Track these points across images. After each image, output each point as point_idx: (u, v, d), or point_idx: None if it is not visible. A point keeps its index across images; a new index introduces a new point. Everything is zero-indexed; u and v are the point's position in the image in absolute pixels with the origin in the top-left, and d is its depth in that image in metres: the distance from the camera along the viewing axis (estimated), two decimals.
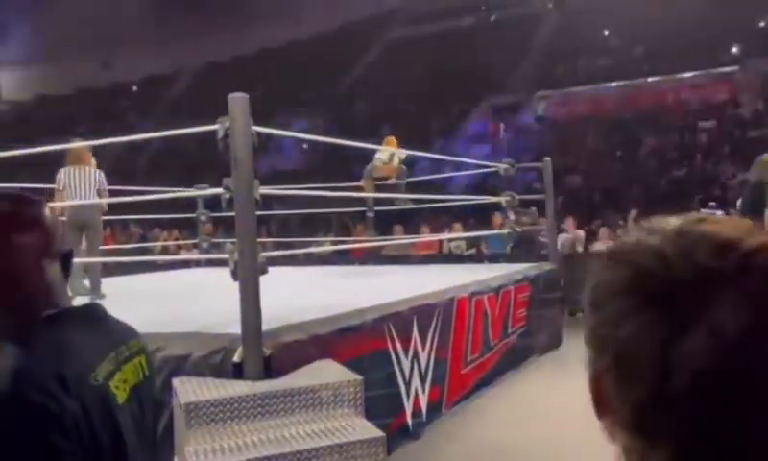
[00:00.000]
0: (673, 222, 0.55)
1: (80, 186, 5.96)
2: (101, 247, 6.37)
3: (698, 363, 0.49)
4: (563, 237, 9.92)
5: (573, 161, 19.20)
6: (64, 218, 5.99)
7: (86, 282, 6.12)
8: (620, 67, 22.25)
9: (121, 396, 1.12)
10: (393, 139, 8.05)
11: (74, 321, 1.11)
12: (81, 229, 5.94)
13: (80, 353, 1.07)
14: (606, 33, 24.23)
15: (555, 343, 7.49)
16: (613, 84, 21.98)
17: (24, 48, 24.24)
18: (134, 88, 27.75)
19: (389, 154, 7.77)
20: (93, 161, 6.19)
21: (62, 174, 6.00)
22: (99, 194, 6.02)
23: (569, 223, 10.28)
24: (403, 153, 7.89)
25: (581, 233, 10.29)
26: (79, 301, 1.19)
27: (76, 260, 5.63)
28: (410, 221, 12.31)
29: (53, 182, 6.09)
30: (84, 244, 6.00)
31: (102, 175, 6.11)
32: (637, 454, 0.53)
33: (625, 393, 0.52)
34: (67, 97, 26.40)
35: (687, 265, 0.51)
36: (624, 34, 23.12)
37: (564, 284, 8.16)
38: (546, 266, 7.75)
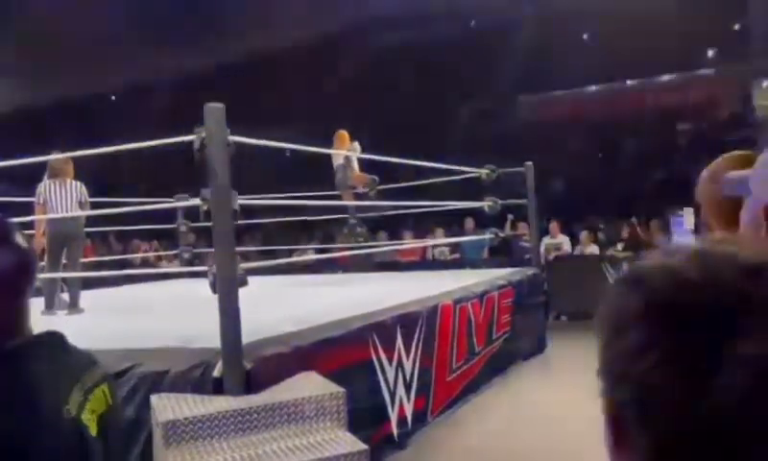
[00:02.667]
0: (694, 243, 0.51)
1: (61, 200, 5.85)
2: (81, 260, 6.27)
3: (730, 401, 0.43)
4: (547, 241, 9.93)
5: (555, 165, 19.31)
6: (40, 233, 5.88)
7: (65, 296, 6.02)
8: (600, 71, 22.44)
9: (93, 428, 1.07)
10: (344, 133, 7.60)
11: (37, 352, 1.06)
12: (63, 243, 5.84)
13: (48, 386, 1.02)
14: (585, 37, 24.43)
15: (539, 347, 7.49)
16: (593, 87, 22.16)
17: (2, 60, 23.91)
18: (113, 98, 27.50)
19: (345, 155, 7.34)
20: (72, 173, 6.08)
21: (42, 188, 5.90)
22: (81, 207, 5.92)
23: (553, 227, 10.31)
24: (357, 147, 7.50)
25: (566, 237, 10.31)
26: (38, 327, 1.13)
27: (56, 275, 5.56)
28: (394, 227, 12.28)
29: (34, 195, 5.98)
30: (63, 258, 5.91)
31: (83, 187, 6.02)
32: None
33: (646, 431, 0.47)
34: (48, 108, 26.17)
35: (713, 290, 0.46)
36: (603, 38, 23.32)
37: (548, 289, 8.17)
38: (529, 271, 7.75)
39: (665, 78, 21.13)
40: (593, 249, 10.05)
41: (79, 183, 6.01)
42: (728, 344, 0.44)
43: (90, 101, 26.27)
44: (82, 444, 1.02)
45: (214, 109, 3.45)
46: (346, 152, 7.34)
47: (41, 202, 5.84)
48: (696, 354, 0.45)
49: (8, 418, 0.93)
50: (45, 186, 5.88)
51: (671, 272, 0.48)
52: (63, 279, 6.02)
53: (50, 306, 5.74)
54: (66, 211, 5.81)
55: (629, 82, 22.02)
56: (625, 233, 10.45)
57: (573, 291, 9.03)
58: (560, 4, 24.15)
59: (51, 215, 5.74)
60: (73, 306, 5.85)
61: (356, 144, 7.55)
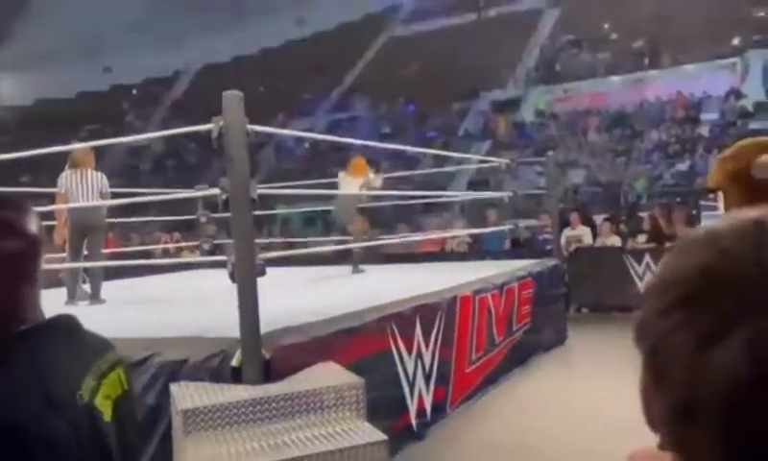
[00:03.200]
0: (759, 211, 0.49)
1: (81, 190, 5.88)
2: (103, 250, 6.30)
3: (729, 373, 0.43)
4: (567, 233, 9.83)
5: (575, 156, 19.13)
6: (62, 224, 5.92)
7: (87, 287, 6.06)
8: (621, 60, 22.18)
9: (107, 413, 1.06)
10: (362, 161, 6.91)
11: (50, 336, 1.04)
12: (84, 233, 5.88)
13: (62, 371, 1.01)
14: (606, 26, 24.14)
15: (560, 339, 7.43)
16: (615, 77, 21.90)
17: (23, 53, 24.21)
18: (134, 91, 27.73)
19: (359, 184, 6.70)
20: (93, 164, 6.11)
21: (63, 178, 5.94)
22: (102, 197, 5.95)
23: (574, 218, 10.20)
24: (377, 181, 6.78)
25: (587, 229, 10.20)
26: (52, 312, 1.11)
27: (77, 265, 5.59)
28: (413, 219, 12.25)
29: (55, 186, 6.02)
30: (85, 248, 5.94)
31: (104, 178, 6.04)
32: None
33: (660, 396, 0.48)
34: (68, 101, 26.39)
35: (749, 263, 0.45)
36: (625, 27, 23.04)
37: (569, 280, 8.08)
38: (550, 262, 7.67)
39: (688, 66, 20.80)
40: (615, 240, 9.93)
41: (100, 174, 6.03)
42: (742, 316, 0.43)
43: (111, 93, 26.50)
44: (95, 429, 1.01)
45: (232, 98, 3.43)
46: (362, 178, 6.78)
47: (63, 192, 5.87)
48: (708, 322, 0.44)
49: (19, 403, 0.92)
50: (67, 177, 5.92)
51: (717, 240, 0.47)
52: (85, 270, 6.06)
53: (72, 297, 5.79)
54: (87, 202, 5.84)
55: (651, 71, 21.71)
56: (647, 225, 10.30)
57: (594, 283, 8.93)
58: None
59: (72, 205, 5.77)
60: (94, 297, 5.89)
61: (372, 176, 6.84)
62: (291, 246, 10.78)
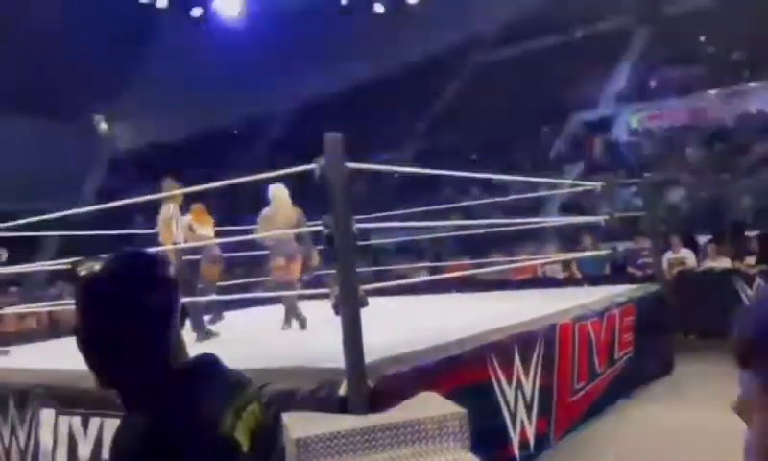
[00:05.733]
0: None
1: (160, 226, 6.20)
2: (199, 285, 6.49)
3: None
4: (669, 256, 9.46)
5: (674, 175, 18.38)
6: None
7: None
8: (719, 74, 21.22)
9: (245, 444, 1.16)
10: (201, 207, 6.62)
11: (197, 374, 1.17)
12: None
13: (206, 406, 1.12)
14: (702, 39, 23.21)
15: (666, 368, 7.13)
16: (713, 91, 20.97)
17: (136, 101, 26.09)
18: (236, 132, 29.08)
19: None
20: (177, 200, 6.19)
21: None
22: (164, 225, 6.09)
23: (675, 241, 9.80)
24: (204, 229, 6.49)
25: (689, 251, 9.77)
26: (194, 351, 1.24)
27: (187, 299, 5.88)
28: (505, 245, 12.13)
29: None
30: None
31: (170, 209, 6.05)
32: None
33: None
34: (175, 144, 28.02)
35: None
36: (721, 39, 22.07)
37: (674, 306, 7.75)
38: (652, 287, 7.41)
39: None
40: (724, 262, 9.43)
41: (166, 206, 6.09)
42: None
43: (214, 135, 27.95)
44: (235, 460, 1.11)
45: (332, 139, 3.62)
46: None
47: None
48: None
49: (172, 419, 1.04)
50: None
51: None
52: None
53: (198, 332, 5.94)
54: (160, 236, 6.09)
55: (751, 83, 20.65)
56: (754, 246, 9.75)
57: (702, 308, 8.53)
58: (672, 9, 23.13)
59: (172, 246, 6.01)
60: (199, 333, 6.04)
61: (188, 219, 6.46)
62: (383, 275, 10.93)
